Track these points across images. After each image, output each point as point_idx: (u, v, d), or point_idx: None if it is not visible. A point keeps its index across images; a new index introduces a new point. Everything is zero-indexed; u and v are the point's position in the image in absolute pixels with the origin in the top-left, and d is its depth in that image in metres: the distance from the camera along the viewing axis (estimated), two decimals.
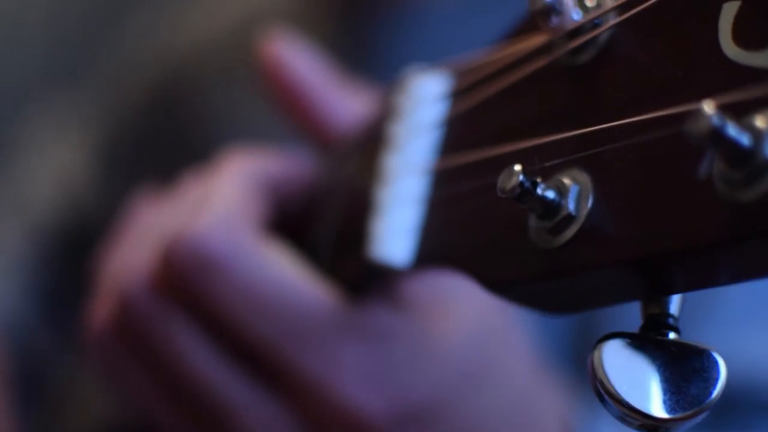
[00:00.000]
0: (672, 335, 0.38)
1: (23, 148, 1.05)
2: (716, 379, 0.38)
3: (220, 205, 0.54)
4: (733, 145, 0.33)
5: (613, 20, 0.41)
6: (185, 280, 0.53)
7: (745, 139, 0.33)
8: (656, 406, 0.37)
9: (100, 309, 0.58)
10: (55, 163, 0.99)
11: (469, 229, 0.44)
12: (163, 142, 0.94)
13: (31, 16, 1.55)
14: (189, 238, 0.53)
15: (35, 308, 0.93)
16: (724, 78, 0.35)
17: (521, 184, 0.39)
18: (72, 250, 0.95)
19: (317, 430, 0.54)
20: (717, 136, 0.33)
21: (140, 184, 0.80)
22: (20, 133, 1.08)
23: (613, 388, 0.37)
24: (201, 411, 0.55)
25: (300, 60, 0.61)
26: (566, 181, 0.39)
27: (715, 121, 0.32)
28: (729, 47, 0.36)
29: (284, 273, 0.53)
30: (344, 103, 0.60)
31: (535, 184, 0.39)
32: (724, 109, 0.33)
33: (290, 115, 0.61)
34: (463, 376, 0.55)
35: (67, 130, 1.01)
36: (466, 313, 0.56)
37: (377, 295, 0.54)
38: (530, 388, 0.59)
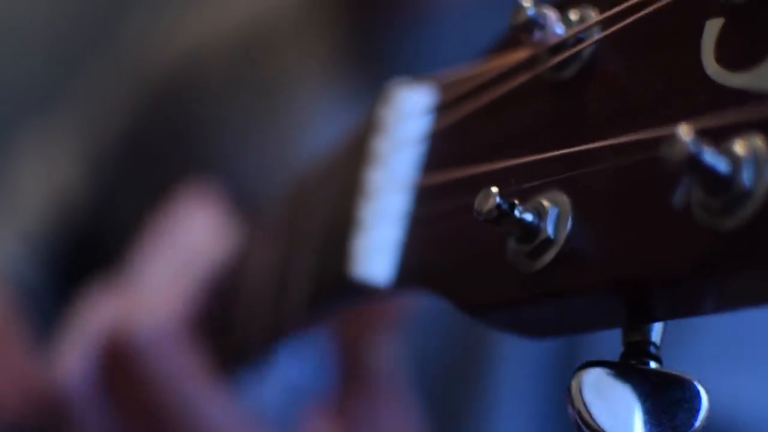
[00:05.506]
0: (653, 364, 0.37)
1: (17, 157, 1.04)
2: (698, 410, 0.36)
3: (157, 303, 0.64)
4: (710, 172, 0.31)
5: (597, 35, 0.39)
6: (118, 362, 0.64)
7: (723, 166, 0.31)
8: None
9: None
10: (48, 173, 0.99)
11: (449, 250, 0.43)
12: (160, 147, 0.93)
13: (29, 24, 1.55)
14: (125, 331, 0.63)
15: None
16: (704, 99, 0.34)
17: (498, 206, 0.38)
18: (66, 259, 0.95)
19: None
20: (693, 162, 0.31)
21: (139, 188, 0.80)
22: (15, 143, 1.07)
23: (592, 418, 0.36)
24: None
25: None
26: (545, 203, 0.38)
27: (692, 147, 0.31)
28: (711, 66, 0.34)
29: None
30: None
31: (513, 207, 0.38)
32: (702, 133, 0.32)
33: None
34: None
35: (61, 140, 1.01)
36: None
37: None
38: None
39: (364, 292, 0.48)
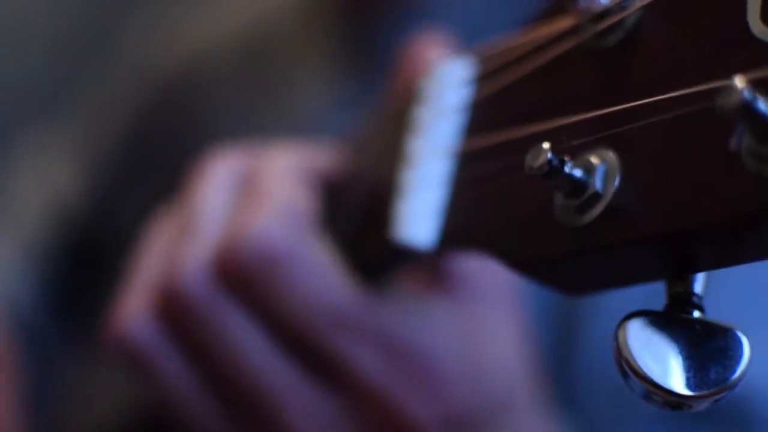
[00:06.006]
0: (696, 314, 0.39)
1: (16, 162, 1.04)
2: (740, 358, 0.38)
3: (278, 202, 0.55)
4: (763, 119, 0.33)
5: (640, 2, 0.41)
6: (248, 276, 0.54)
7: None
8: (679, 384, 0.37)
9: (136, 303, 0.58)
10: (46, 179, 0.99)
11: (494, 210, 0.45)
12: (160, 152, 0.93)
13: (29, 24, 1.55)
14: (252, 235, 0.54)
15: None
16: (752, 56, 0.36)
17: (549, 161, 0.39)
18: (65, 266, 0.95)
19: (366, 424, 0.55)
20: (748, 110, 0.33)
21: (138, 193, 0.80)
22: (14, 146, 1.07)
23: (638, 365, 0.38)
24: (246, 404, 0.56)
25: None
26: (593, 159, 0.39)
27: (746, 95, 0.33)
28: (756, 26, 0.36)
29: (335, 272, 0.54)
30: None
31: (563, 162, 0.39)
32: (753, 84, 0.33)
33: None
34: (506, 400, 0.57)
35: (60, 146, 1.01)
36: (512, 336, 0.57)
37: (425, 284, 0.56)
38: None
39: (408, 256, 0.50)
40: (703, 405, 0.38)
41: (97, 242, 0.95)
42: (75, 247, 0.96)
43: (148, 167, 0.94)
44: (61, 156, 1.00)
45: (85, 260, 0.95)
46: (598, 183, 0.39)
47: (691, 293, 0.39)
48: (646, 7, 0.41)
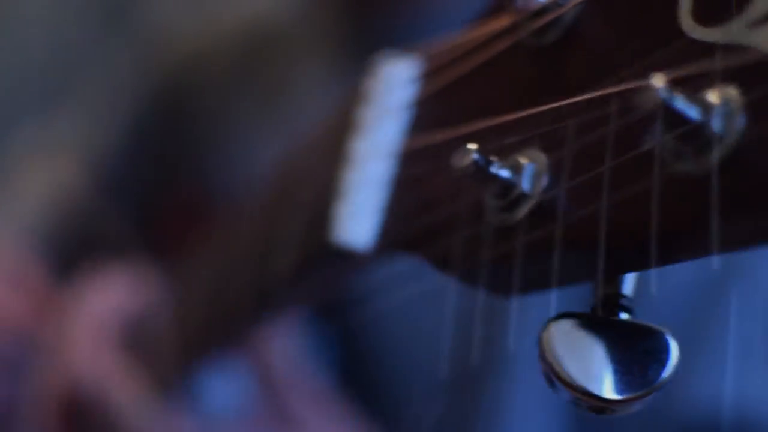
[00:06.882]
0: (624, 316, 0.38)
1: (17, 159, 1.04)
2: (667, 360, 0.37)
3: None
4: (681, 118, 0.32)
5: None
6: None
7: (693, 113, 0.32)
8: (607, 388, 0.37)
9: None
10: (48, 174, 0.99)
11: (428, 212, 0.44)
12: (162, 148, 0.93)
13: (27, 34, 1.56)
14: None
15: None
16: (680, 53, 0.35)
17: (476, 162, 0.38)
18: (67, 259, 0.95)
19: None
20: (666, 109, 0.32)
21: (140, 189, 0.81)
22: (15, 143, 1.08)
23: (564, 370, 0.37)
24: None
25: None
26: (522, 160, 0.39)
27: (663, 94, 0.32)
28: (686, 22, 0.36)
29: None
30: None
31: (489, 163, 0.39)
32: (676, 83, 0.33)
33: None
34: None
35: (62, 141, 1.01)
36: None
37: None
38: None
39: (347, 259, 0.49)
40: (630, 409, 0.37)
41: (98, 237, 0.95)
42: (76, 242, 0.96)
43: (148, 165, 0.94)
44: (63, 152, 1.00)
45: (86, 255, 0.95)
46: (525, 183, 0.38)
47: (620, 295, 0.38)
48: (583, 3, 0.40)
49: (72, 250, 0.95)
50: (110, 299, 0.75)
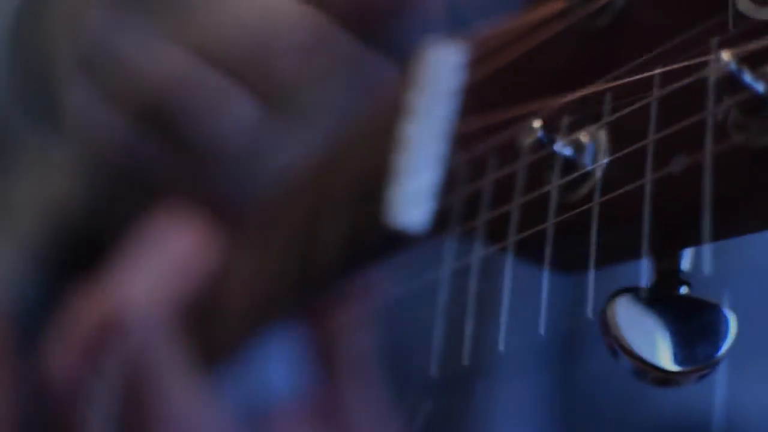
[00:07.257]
0: (683, 290, 0.39)
1: (13, 166, 1.04)
2: (726, 334, 0.38)
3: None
4: (748, 92, 0.33)
5: None
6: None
7: (760, 87, 0.33)
8: (667, 360, 0.38)
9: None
10: (44, 182, 0.99)
11: (487, 191, 0.45)
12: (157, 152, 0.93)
13: None
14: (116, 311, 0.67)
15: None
16: (739, 32, 0.36)
17: (540, 140, 0.39)
18: (64, 267, 0.95)
19: None
20: (734, 82, 0.33)
21: (139, 194, 0.81)
22: (11, 150, 1.07)
23: (627, 342, 0.38)
24: None
25: None
26: (583, 138, 0.40)
27: (732, 67, 0.33)
28: (742, 2, 0.36)
29: None
30: None
31: (552, 141, 0.40)
32: (739, 59, 0.34)
33: None
34: None
35: (57, 149, 1.01)
36: None
37: None
38: None
39: (401, 240, 0.50)
40: (691, 380, 0.38)
41: (94, 244, 0.95)
42: (73, 252, 0.96)
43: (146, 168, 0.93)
44: (60, 160, 1.00)
45: (82, 263, 0.95)
46: (587, 161, 0.39)
47: (679, 270, 0.39)
48: None
49: (69, 258, 0.96)
50: (184, 245, 0.72)
